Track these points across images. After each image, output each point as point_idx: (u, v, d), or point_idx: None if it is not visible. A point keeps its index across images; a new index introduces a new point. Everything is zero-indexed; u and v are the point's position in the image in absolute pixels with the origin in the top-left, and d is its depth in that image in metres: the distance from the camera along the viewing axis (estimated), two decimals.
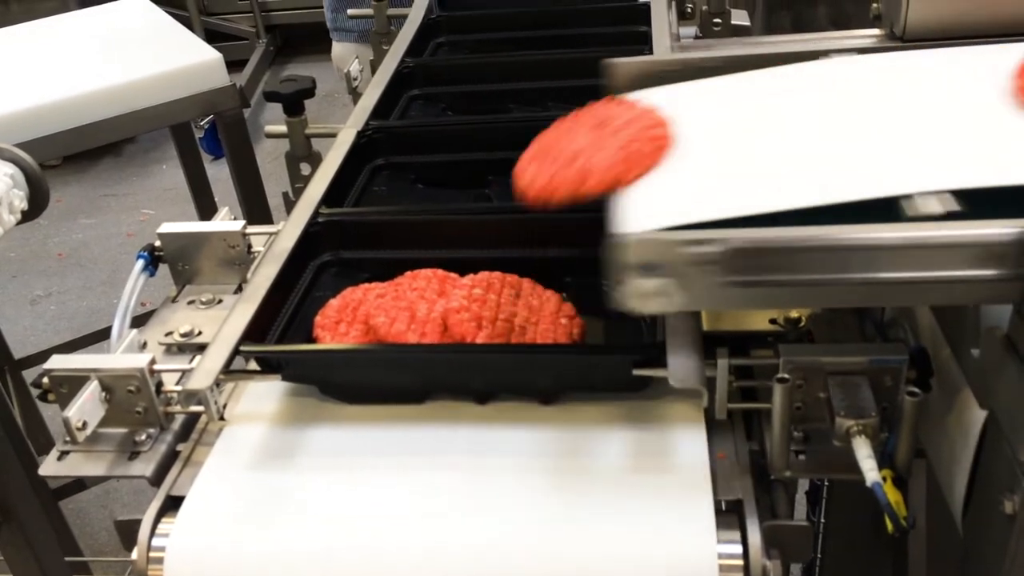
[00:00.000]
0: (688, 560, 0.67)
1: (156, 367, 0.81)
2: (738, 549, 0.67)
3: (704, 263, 0.63)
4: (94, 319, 3.00)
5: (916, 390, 0.69)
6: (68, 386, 0.80)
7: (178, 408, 0.83)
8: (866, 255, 0.63)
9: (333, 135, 1.13)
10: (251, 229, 1.01)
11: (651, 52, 1.25)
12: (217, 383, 0.78)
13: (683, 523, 0.69)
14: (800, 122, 0.79)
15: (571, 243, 0.93)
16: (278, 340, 0.84)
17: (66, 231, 3.56)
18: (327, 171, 1.04)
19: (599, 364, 0.79)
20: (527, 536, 0.70)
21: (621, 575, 0.67)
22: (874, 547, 1.22)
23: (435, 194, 1.11)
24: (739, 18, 1.55)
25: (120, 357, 0.83)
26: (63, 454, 0.81)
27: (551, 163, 0.75)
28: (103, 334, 2.17)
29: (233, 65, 2.11)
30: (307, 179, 1.19)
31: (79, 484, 1.97)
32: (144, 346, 0.91)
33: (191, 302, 0.98)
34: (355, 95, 1.37)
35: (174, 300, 0.99)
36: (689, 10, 1.55)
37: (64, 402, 0.79)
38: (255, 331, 0.81)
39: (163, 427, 0.82)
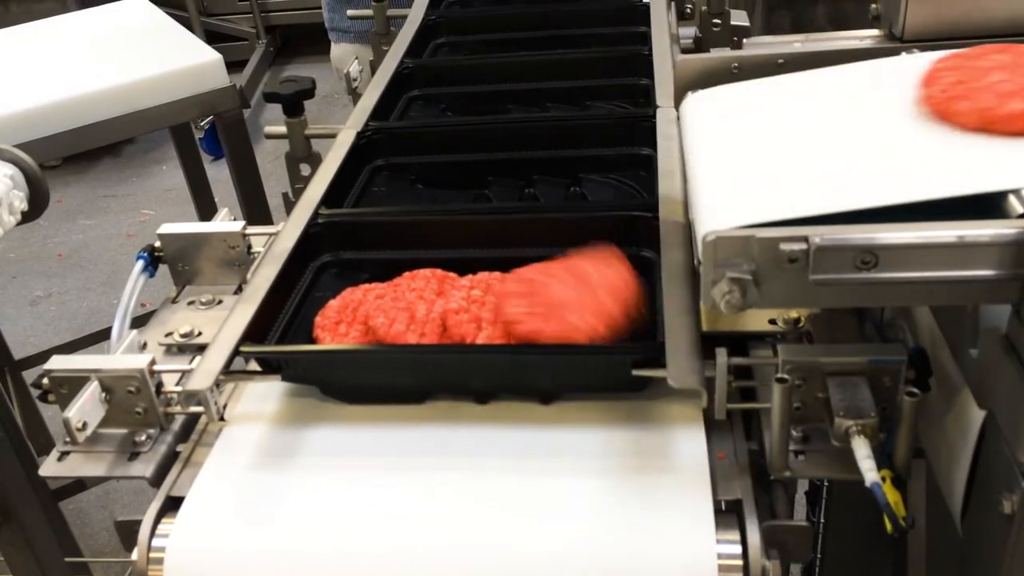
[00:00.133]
0: (687, 560, 0.67)
1: (156, 368, 0.81)
2: (737, 549, 0.67)
3: (791, 261, 0.63)
4: (94, 320, 3.01)
5: (915, 390, 0.69)
6: (68, 387, 0.80)
7: (178, 409, 0.83)
8: (867, 256, 0.63)
9: (333, 136, 1.13)
10: (251, 230, 1.01)
11: (650, 53, 1.25)
12: (217, 384, 0.78)
13: (682, 523, 0.69)
14: (871, 119, 0.79)
15: (570, 243, 0.93)
16: (278, 341, 0.84)
17: (66, 232, 3.56)
18: (327, 172, 1.04)
19: (598, 364, 0.79)
20: (526, 536, 0.70)
21: (620, 575, 0.67)
22: (874, 547, 1.22)
23: (434, 195, 1.12)
24: (738, 18, 1.55)
25: (120, 358, 0.84)
26: (63, 455, 0.81)
27: (537, 314, 0.79)
28: (103, 335, 2.18)
29: (233, 66, 2.11)
30: (307, 180, 1.19)
31: (79, 485, 1.97)
32: (144, 347, 0.91)
33: (191, 303, 0.98)
34: (355, 96, 1.37)
35: (174, 301, 1.00)
36: (688, 10, 1.55)
37: (64, 403, 0.79)
38: (255, 332, 0.81)
39: (163, 428, 0.82)
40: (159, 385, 0.81)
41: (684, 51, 1.39)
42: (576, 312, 0.78)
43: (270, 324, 0.85)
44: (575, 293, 0.81)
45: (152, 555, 0.73)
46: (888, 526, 0.66)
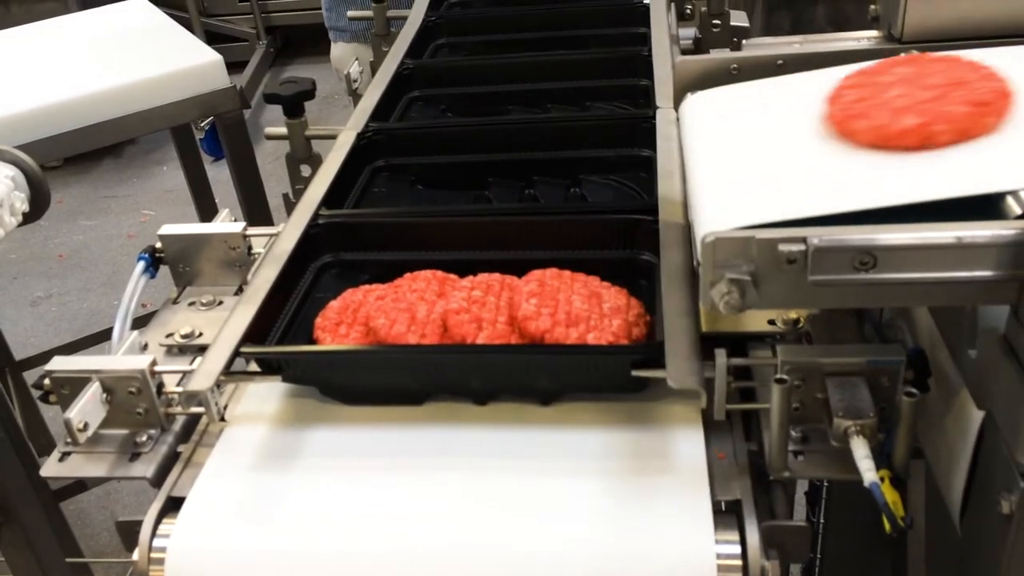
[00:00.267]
0: (686, 560, 0.67)
1: (157, 368, 0.81)
2: (736, 549, 0.68)
3: (790, 262, 0.64)
4: (95, 320, 3.01)
5: (914, 391, 0.69)
6: (69, 387, 0.80)
7: (179, 409, 0.83)
8: (865, 257, 0.64)
9: (333, 137, 1.14)
10: (251, 231, 1.01)
11: (650, 54, 1.25)
12: (218, 384, 0.78)
13: (681, 523, 0.69)
14: None
15: (570, 245, 0.93)
16: (279, 342, 0.84)
17: (67, 232, 3.57)
18: (327, 173, 1.04)
19: (598, 364, 0.80)
20: (526, 537, 0.70)
21: (619, 575, 0.68)
22: (873, 547, 1.22)
23: (435, 195, 1.12)
24: (738, 19, 1.55)
25: (121, 358, 0.84)
26: (64, 455, 0.82)
27: (559, 320, 0.81)
28: (104, 335, 2.18)
29: (233, 66, 2.12)
30: (307, 181, 1.19)
31: (80, 485, 1.97)
32: (145, 347, 0.91)
33: (192, 303, 0.98)
34: (355, 97, 1.37)
35: (175, 301, 1.00)
36: (688, 11, 1.56)
37: (65, 403, 0.79)
38: (255, 333, 0.81)
39: (164, 428, 0.82)
40: (160, 386, 0.82)
41: (684, 52, 1.39)
42: (595, 330, 0.79)
43: (271, 325, 0.85)
44: (590, 308, 0.82)
45: (153, 555, 0.73)
46: (887, 526, 0.66)
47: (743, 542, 0.68)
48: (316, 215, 0.97)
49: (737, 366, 0.76)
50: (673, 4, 1.47)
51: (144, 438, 0.82)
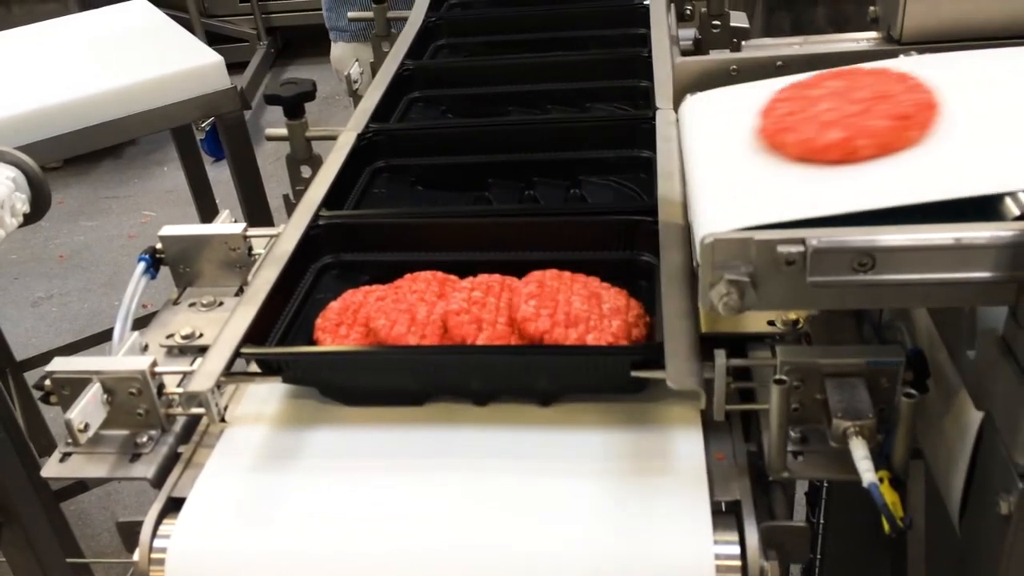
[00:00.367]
0: (685, 561, 0.67)
1: (157, 369, 0.81)
2: (735, 550, 0.68)
3: (788, 263, 0.64)
4: (95, 321, 3.01)
5: (913, 391, 0.70)
6: (70, 388, 0.80)
7: (179, 410, 0.83)
8: (864, 258, 0.64)
9: (333, 138, 1.14)
10: (252, 232, 1.01)
11: (650, 55, 1.25)
12: (218, 385, 0.78)
13: (679, 524, 0.69)
14: None
15: (570, 246, 0.93)
16: (279, 343, 0.85)
17: (67, 233, 3.57)
18: (327, 174, 1.05)
19: (596, 365, 0.80)
20: (525, 537, 0.70)
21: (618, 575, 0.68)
22: (873, 548, 1.22)
23: (435, 196, 1.12)
24: (738, 20, 1.56)
25: (122, 359, 0.84)
26: (65, 456, 0.82)
27: (558, 321, 0.82)
28: (104, 336, 2.18)
29: (234, 67, 2.12)
30: (307, 181, 1.20)
31: (81, 486, 1.97)
32: (146, 348, 0.91)
33: (192, 304, 0.99)
34: (355, 97, 1.37)
35: (175, 302, 1.00)
36: (688, 12, 1.56)
37: (66, 404, 0.79)
38: (256, 333, 0.82)
39: (164, 429, 0.82)
40: (160, 386, 0.82)
41: (684, 53, 1.39)
42: (594, 331, 0.79)
43: (271, 326, 0.85)
44: (590, 308, 0.82)
45: (153, 556, 0.73)
46: (886, 527, 0.67)
47: (742, 543, 0.68)
48: (316, 216, 0.97)
49: (736, 367, 0.77)
50: (673, 5, 1.48)
51: (145, 439, 0.82)
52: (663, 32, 1.31)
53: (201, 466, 0.79)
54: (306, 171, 1.25)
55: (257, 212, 1.91)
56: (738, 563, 0.67)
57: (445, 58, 1.46)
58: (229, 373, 0.78)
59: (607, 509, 0.71)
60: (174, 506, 0.76)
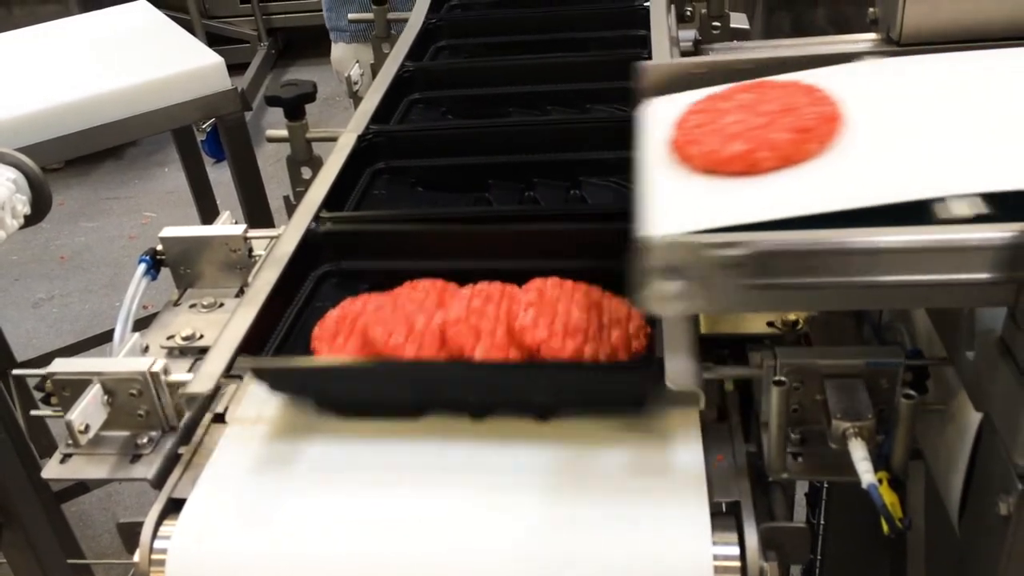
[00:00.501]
0: (684, 561, 0.67)
1: (156, 369, 0.81)
2: (735, 551, 0.68)
3: (729, 266, 0.64)
4: (96, 322, 3.01)
5: (912, 392, 0.70)
6: (71, 389, 0.80)
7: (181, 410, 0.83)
8: (868, 259, 0.64)
9: (334, 139, 1.14)
10: (252, 233, 1.01)
11: (650, 56, 1.25)
12: (218, 386, 0.78)
13: (678, 525, 0.69)
14: None
15: (571, 255, 0.93)
16: (277, 351, 0.84)
17: (68, 234, 3.57)
18: (328, 175, 1.05)
19: (598, 380, 0.79)
20: (523, 538, 0.70)
21: None
22: (873, 548, 1.22)
23: (435, 198, 1.12)
24: (738, 21, 1.56)
25: (123, 360, 0.84)
26: (65, 457, 0.82)
27: (556, 332, 0.80)
28: (105, 337, 2.18)
29: (234, 68, 2.12)
30: (308, 183, 1.20)
31: (81, 487, 1.97)
32: (146, 349, 0.91)
33: (192, 306, 0.99)
34: (356, 99, 1.38)
35: (176, 304, 1.00)
36: (688, 13, 1.56)
37: (67, 405, 0.79)
38: (255, 337, 0.81)
39: (165, 430, 0.82)
40: (168, 386, 0.82)
41: (684, 54, 1.39)
42: (592, 342, 0.79)
43: (270, 330, 0.85)
44: (589, 319, 0.81)
45: (154, 557, 0.73)
46: (885, 527, 0.67)
47: (742, 544, 0.68)
48: (316, 222, 0.96)
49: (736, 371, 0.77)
50: (673, 6, 1.47)
51: (145, 440, 0.82)
52: (663, 34, 1.31)
53: (201, 467, 0.79)
54: (306, 172, 1.25)
55: (258, 213, 1.91)
56: (737, 564, 0.67)
57: (445, 60, 1.46)
58: (229, 374, 0.78)
59: (603, 510, 0.71)
60: (174, 507, 0.76)
